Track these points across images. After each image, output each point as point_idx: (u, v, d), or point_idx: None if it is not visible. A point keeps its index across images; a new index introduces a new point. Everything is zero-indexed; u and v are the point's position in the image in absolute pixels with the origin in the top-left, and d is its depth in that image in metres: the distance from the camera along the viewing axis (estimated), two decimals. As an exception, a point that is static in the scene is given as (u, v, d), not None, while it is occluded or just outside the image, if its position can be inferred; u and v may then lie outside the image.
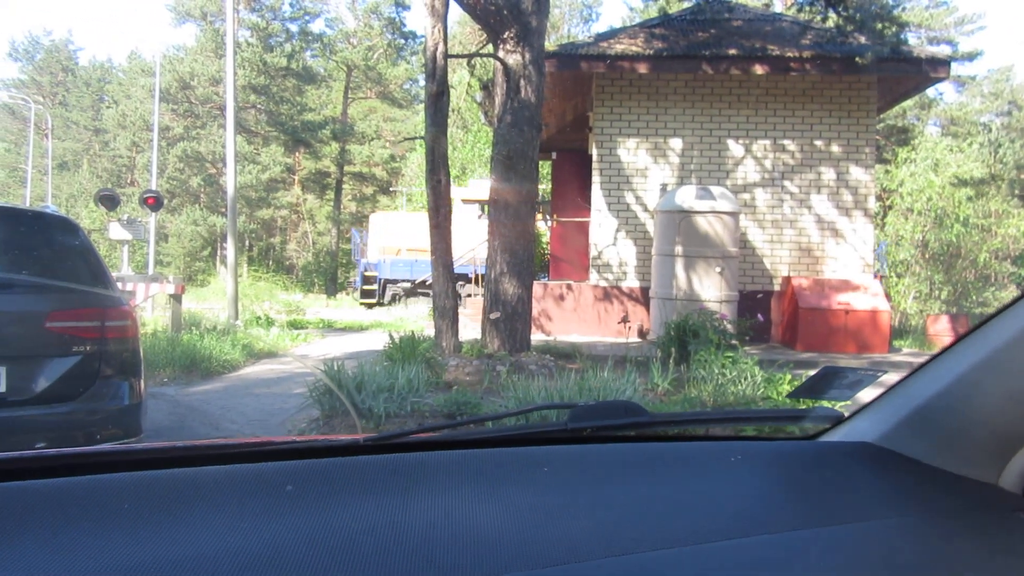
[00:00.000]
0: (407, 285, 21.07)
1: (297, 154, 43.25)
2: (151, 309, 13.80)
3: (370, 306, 20.79)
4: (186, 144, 39.91)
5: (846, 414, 1.35)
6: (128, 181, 47.71)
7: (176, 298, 11.13)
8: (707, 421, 1.67)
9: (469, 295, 20.47)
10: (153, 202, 15.32)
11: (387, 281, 21.36)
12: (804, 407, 1.55)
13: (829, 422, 1.37)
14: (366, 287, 21.86)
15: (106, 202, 14.36)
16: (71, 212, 40.63)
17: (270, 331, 12.26)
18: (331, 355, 9.87)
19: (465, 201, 21.15)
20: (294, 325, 14.41)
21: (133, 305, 5.50)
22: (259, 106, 40.95)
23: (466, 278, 19.87)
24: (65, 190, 50.25)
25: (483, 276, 10.08)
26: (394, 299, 21.29)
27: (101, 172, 49.71)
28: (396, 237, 21.30)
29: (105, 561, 0.83)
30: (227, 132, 14.33)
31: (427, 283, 20.50)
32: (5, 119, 60.98)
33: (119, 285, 4.46)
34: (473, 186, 22.31)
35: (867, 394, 1.36)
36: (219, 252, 38.64)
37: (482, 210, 21.16)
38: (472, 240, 19.76)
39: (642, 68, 11.39)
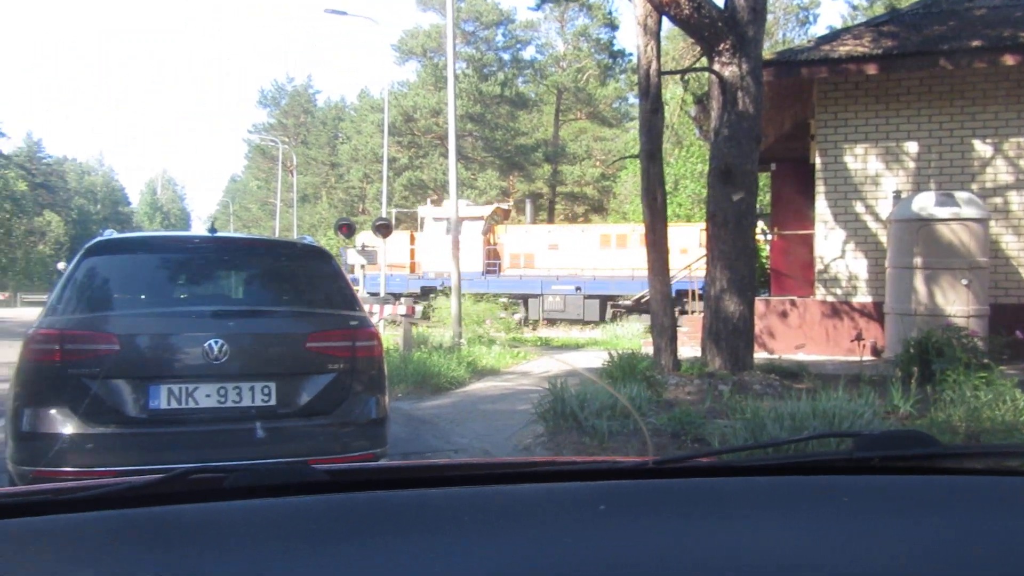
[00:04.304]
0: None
1: (511, 177, 44.80)
2: (384, 329, 14.79)
3: None
4: (411, 173, 42.71)
5: None
6: (360, 210, 51.72)
7: (407, 318, 11.90)
8: (1001, 454, 1.52)
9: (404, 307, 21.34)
10: (385, 228, 16.52)
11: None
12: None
13: None
14: None
15: (344, 230, 15.68)
16: (312, 240, 44.60)
17: (491, 349, 12.74)
18: (550, 372, 10.08)
19: (436, 219, 23.36)
20: (513, 343, 14.88)
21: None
22: (475, 133, 42.93)
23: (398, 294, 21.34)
24: (307, 220, 55.53)
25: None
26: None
27: (337, 203, 54.35)
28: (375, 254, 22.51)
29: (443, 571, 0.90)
30: (449, 160, 15.13)
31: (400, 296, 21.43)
32: (258, 159, 68.71)
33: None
34: (445, 206, 24.06)
35: None
36: (441, 273, 40.78)
37: (448, 227, 21.87)
38: (443, 252, 21.09)
39: (870, 69, 10.68)
